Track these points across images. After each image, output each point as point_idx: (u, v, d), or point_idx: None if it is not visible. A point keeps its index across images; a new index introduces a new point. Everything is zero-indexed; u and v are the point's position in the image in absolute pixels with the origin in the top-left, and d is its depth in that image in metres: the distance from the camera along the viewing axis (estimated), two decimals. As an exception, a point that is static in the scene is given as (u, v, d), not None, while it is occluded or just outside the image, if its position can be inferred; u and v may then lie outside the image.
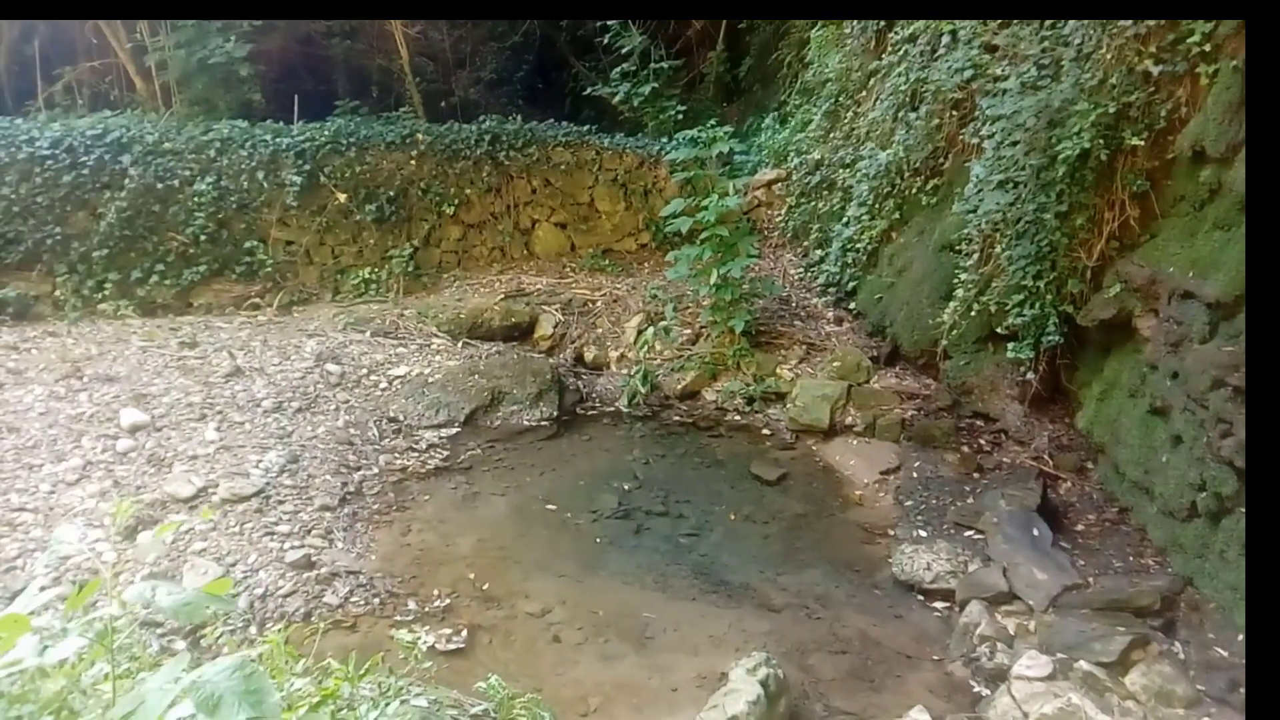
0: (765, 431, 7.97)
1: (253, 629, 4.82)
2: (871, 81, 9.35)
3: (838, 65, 10.05)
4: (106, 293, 9.43)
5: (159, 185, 9.57)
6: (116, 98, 11.27)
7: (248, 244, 10.02)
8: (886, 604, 5.50)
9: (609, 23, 11.47)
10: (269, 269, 10.08)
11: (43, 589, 2.13)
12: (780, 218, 10.76)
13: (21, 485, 5.87)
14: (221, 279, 10.00)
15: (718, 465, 7.54)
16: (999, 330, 6.72)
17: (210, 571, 5.14)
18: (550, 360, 8.99)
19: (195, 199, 9.68)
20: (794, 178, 10.52)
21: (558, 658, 4.93)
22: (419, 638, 4.49)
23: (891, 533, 6.24)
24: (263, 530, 5.68)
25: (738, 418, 8.21)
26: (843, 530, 6.44)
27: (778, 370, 8.45)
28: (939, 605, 5.45)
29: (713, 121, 9.06)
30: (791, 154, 10.67)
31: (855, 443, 7.54)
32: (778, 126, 11.54)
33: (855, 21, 9.77)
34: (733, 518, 6.58)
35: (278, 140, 10.00)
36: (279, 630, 4.54)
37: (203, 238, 9.76)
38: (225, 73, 10.32)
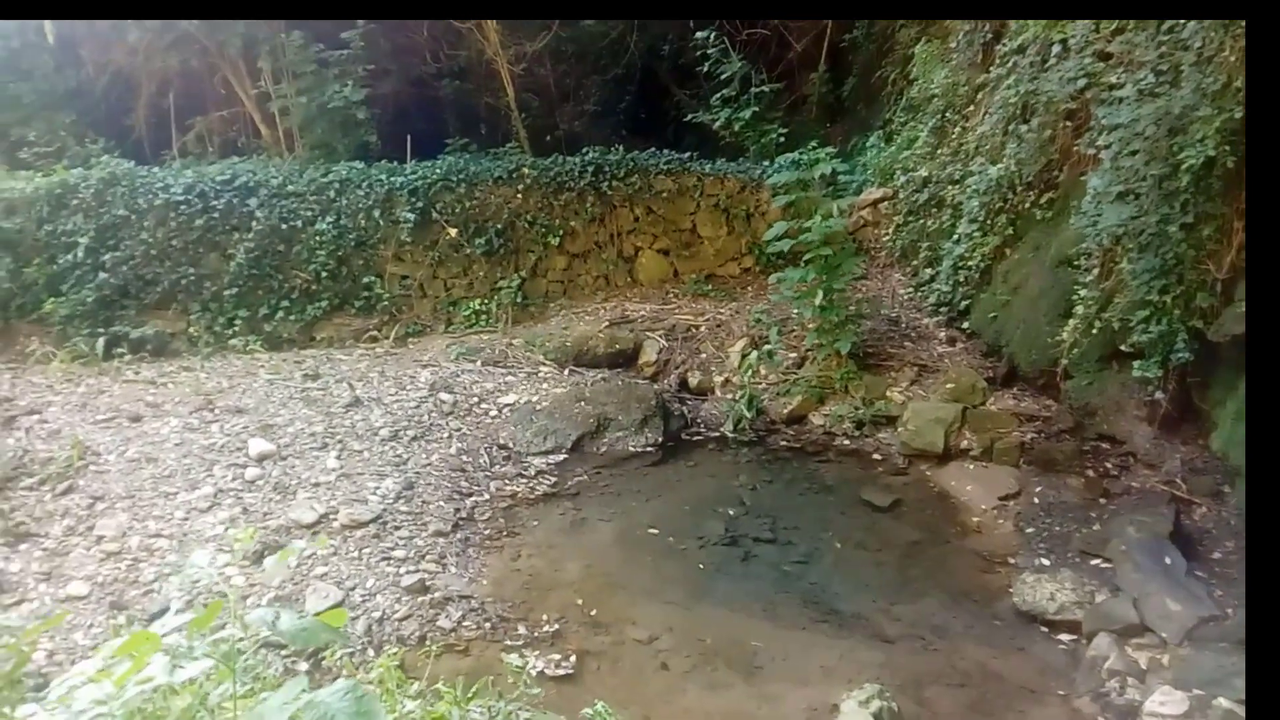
0: (876, 456, 7.80)
1: (370, 651, 4.97)
2: (979, 95, 9.12)
3: (943, 80, 9.85)
4: (236, 329, 9.97)
5: (283, 226, 10.11)
6: (244, 144, 11.97)
7: (365, 279, 10.46)
8: (1007, 635, 5.29)
9: (708, 50, 11.52)
10: (385, 303, 10.48)
11: (178, 612, 2.25)
12: (887, 237, 10.56)
13: (158, 512, 6.24)
14: (342, 313, 10.44)
15: (826, 491, 7.42)
16: (1123, 348, 6.38)
17: (331, 595, 5.34)
18: (655, 386, 9.02)
19: (317, 238, 10.18)
20: (901, 196, 10.32)
21: (665, 685, 4.92)
22: (528, 663, 4.57)
23: (1012, 561, 6.01)
24: (380, 555, 5.87)
25: (846, 442, 8.06)
26: (959, 558, 6.23)
27: (888, 393, 8.26)
28: (1064, 637, 5.21)
29: (815, 143, 9.00)
30: (898, 172, 10.48)
31: (972, 467, 7.30)
32: (883, 145, 11.37)
33: (961, 35, 9.57)
34: (839, 546, 6.45)
35: (392, 179, 10.42)
36: (394, 653, 4.70)
37: (324, 274, 10.25)
38: (343, 117, 10.84)
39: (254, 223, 10.02)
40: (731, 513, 7.00)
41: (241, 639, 2.09)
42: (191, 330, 9.93)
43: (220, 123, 12.12)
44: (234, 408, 7.93)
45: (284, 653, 4.78)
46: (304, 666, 4.75)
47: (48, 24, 11.04)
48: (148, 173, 10.21)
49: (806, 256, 8.42)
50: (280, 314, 10.15)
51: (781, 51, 13.89)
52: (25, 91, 11.75)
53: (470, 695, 3.00)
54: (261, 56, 11.21)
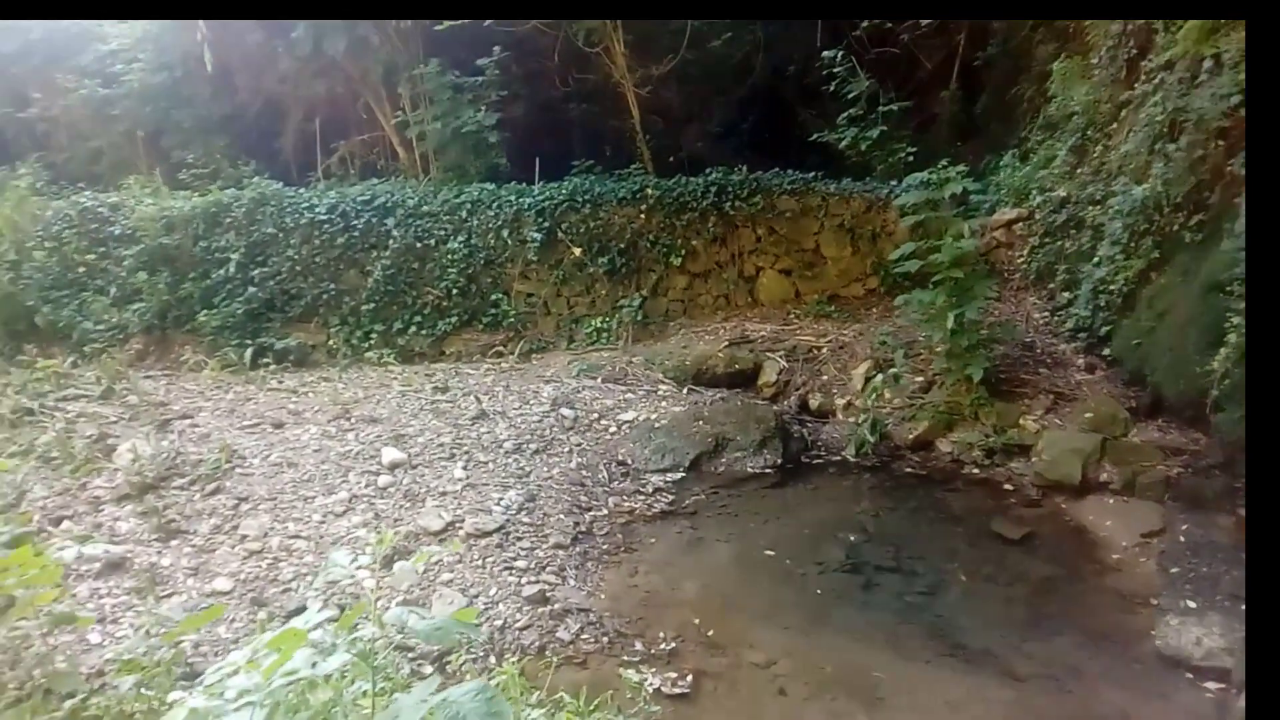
0: (1007, 486, 7.50)
1: (492, 659, 5.06)
2: (1123, 112, 8.71)
3: (1084, 97, 9.45)
4: (372, 342, 10.44)
5: (418, 244, 10.55)
6: (382, 167, 12.54)
7: (493, 297, 10.79)
8: (1149, 680, 4.96)
9: (835, 69, 11.42)
10: (511, 319, 10.77)
11: (319, 610, 2.35)
12: (1022, 259, 10.17)
13: (298, 515, 6.54)
14: (470, 329, 10.79)
15: (953, 521, 7.17)
16: (1282, 379, 5.96)
17: (456, 601, 5.48)
18: (774, 407, 8.93)
19: (448, 256, 10.56)
20: (1037, 216, 9.93)
21: (783, 712, 4.83)
22: (645, 679, 4.57)
23: (1154, 602, 5.64)
24: (503, 565, 5.99)
25: (976, 471, 7.78)
26: (1097, 597, 5.90)
27: (1021, 421, 7.94)
28: (1211, 685, 4.85)
29: (945, 161, 8.77)
30: (1034, 192, 10.09)
31: (1111, 501, 6.93)
32: (1018, 164, 10.98)
33: (1103, 51, 9.17)
34: (966, 578, 6.21)
35: (520, 200, 10.72)
36: (515, 661, 4.78)
37: (454, 291, 10.63)
38: (475, 140, 11.23)
39: (391, 241, 10.48)
40: (853, 539, 6.85)
41: (378, 638, 2.16)
42: (331, 342, 10.45)
43: (361, 146, 12.73)
44: (369, 417, 8.26)
45: (411, 655, 4.91)
46: (429, 669, 4.87)
47: (207, 53, 11.84)
48: (294, 193, 10.84)
49: (936, 278, 8.20)
50: (413, 329, 10.57)
51: (911, 69, 13.63)
52: (185, 117, 12.63)
53: (592, 708, 3.02)
54: (401, 84, 11.74)
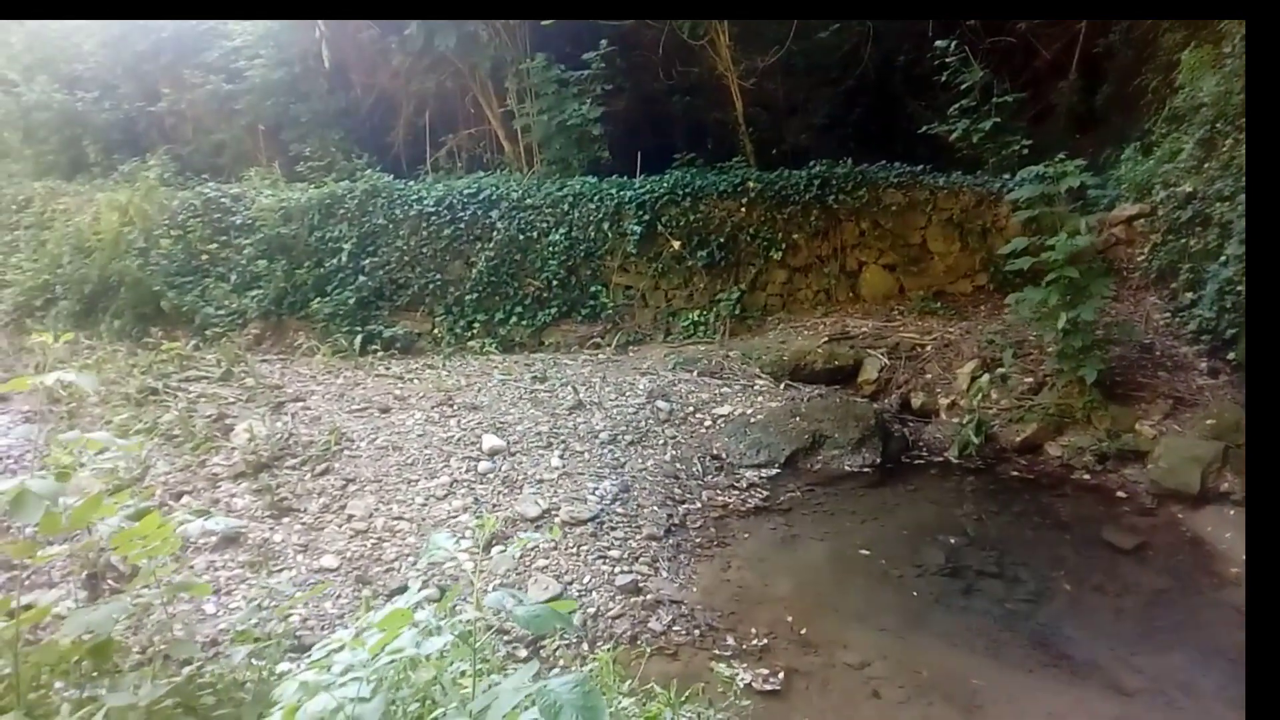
0: (1120, 494, 7.19)
1: (585, 645, 5.12)
2: (1258, 103, 8.21)
3: (1214, 89, 8.92)
4: (474, 331, 10.68)
5: (520, 236, 10.72)
6: (488, 160, 12.78)
7: (592, 289, 10.89)
8: (1271, 704, 4.69)
9: (947, 59, 11.09)
10: (609, 311, 10.85)
11: (420, 589, 2.43)
12: (1142, 257, 9.70)
13: (401, 497, 6.74)
14: (568, 320, 10.92)
15: (1061, 528, 6.91)
16: None
17: (550, 587, 5.56)
18: (874, 405, 8.76)
19: (550, 248, 10.71)
20: (1160, 213, 9.45)
21: (877, 715, 4.74)
22: (737, 674, 4.55)
23: (1279, 620, 5.32)
24: (597, 553, 6.05)
25: (1086, 476, 7.49)
26: (1214, 612, 5.61)
27: (1136, 426, 7.59)
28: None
29: (1062, 155, 8.42)
30: (1157, 187, 9.60)
31: (1232, 513, 6.57)
32: (1140, 157, 10.46)
33: (1236, 40, 8.65)
34: (1073, 587, 5.98)
35: (621, 193, 10.78)
36: (608, 650, 4.82)
37: (554, 283, 10.78)
38: (579, 134, 11.33)
39: (495, 233, 10.69)
40: (953, 542, 6.67)
41: (479, 619, 2.21)
42: (435, 331, 10.73)
43: (468, 139, 13.00)
44: (470, 404, 8.45)
45: (507, 637, 5.01)
46: (523, 652, 4.96)
47: (325, 49, 12.28)
48: (404, 186, 11.16)
49: (1049, 276, 7.89)
50: (514, 319, 10.76)
51: (1027, 59, 13.14)
52: (303, 111, 13.11)
53: (683, 700, 3.02)
54: (508, 78, 11.93)
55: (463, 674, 2.44)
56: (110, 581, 5.57)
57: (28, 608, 3.17)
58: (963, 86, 11.09)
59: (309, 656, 4.48)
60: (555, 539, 6.08)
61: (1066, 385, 8.03)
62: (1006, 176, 10.39)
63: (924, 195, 10.70)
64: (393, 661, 2.18)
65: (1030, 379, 8.45)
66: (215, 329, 10.58)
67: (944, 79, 11.29)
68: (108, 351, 9.96)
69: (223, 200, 11.54)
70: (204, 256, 11.23)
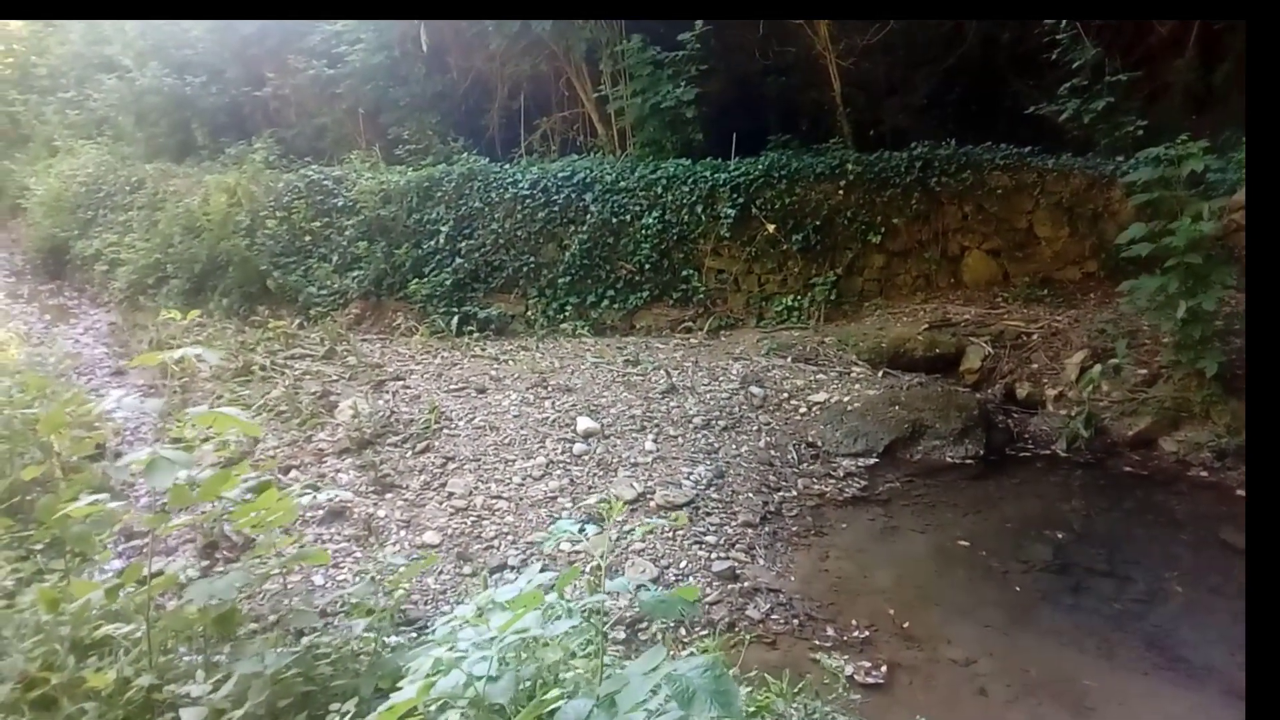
0: (1240, 493, 6.84)
1: (682, 630, 5.11)
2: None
3: (1354, 62, 8.36)
4: (566, 314, 10.75)
5: (613, 220, 10.72)
6: (581, 143, 12.80)
7: (684, 272, 10.83)
8: None
9: (1057, 37, 10.66)
10: (701, 295, 10.78)
11: (542, 570, 2.43)
12: (1266, 244, 9.18)
13: (499, 476, 6.83)
14: (660, 304, 10.89)
15: (1175, 526, 6.61)
16: None
17: (647, 571, 5.56)
18: (977, 395, 8.52)
19: (642, 231, 10.68)
20: (1287, 197, 8.92)
21: (983, 713, 4.62)
22: (841, 666, 4.48)
23: None
24: (692, 539, 6.02)
25: (1204, 474, 7.15)
26: (1345, 619, 5.28)
27: (1259, 422, 7.19)
28: None
29: (1183, 136, 8.00)
30: (1285, 169, 9.07)
31: (1365, 515, 6.17)
32: (1265, 138, 9.90)
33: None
34: (1188, 588, 5.72)
35: (715, 176, 10.67)
36: (706, 636, 4.80)
37: (647, 266, 10.75)
38: (673, 116, 11.24)
39: (588, 216, 10.72)
40: (1060, 538, 6.45)
41: (604, 602, 2.20)
42: (528, 313, 10.84)
43: (562, 123, 13.04)
44: (564, 386, 8.50)
45: (604, 621, 5.02)
46: (622, 634, 4.96)
47: (423, 33, 12.45)
48: (500, 169, 11.28)
49: (1168, 263, 7.52)
50: (605, 302, 10.79)
51: (1141, 35, 12.51)
52: (401, 95, 13.33)
53: (797, 691, 2.98)
54: (603, 60, 11.90)
55: (585, 655, 2.44)
56: (224, 551, 5.80)
57: (156, 575, 3.29)
58: (1073, 65, 10.65)
59: (418, 630, 4.57)
60: (651, 523, 6.06)
61: (1183, 378, 7.67)
62: (1120, 159, 9.93)
63: (1032, 178, 10.29)
64: (520, 641, 2.18)
65: (1144, 370, 8.09)
66: (318, 308, 10.89)
67: (1053, 57, 10.86)
68: (217, 329, 10.33)
69: (325, 182, 11.85)
70: (307, 237, 11.56)
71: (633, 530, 4.91)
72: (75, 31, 17.73)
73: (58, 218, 14.30)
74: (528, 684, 2.21)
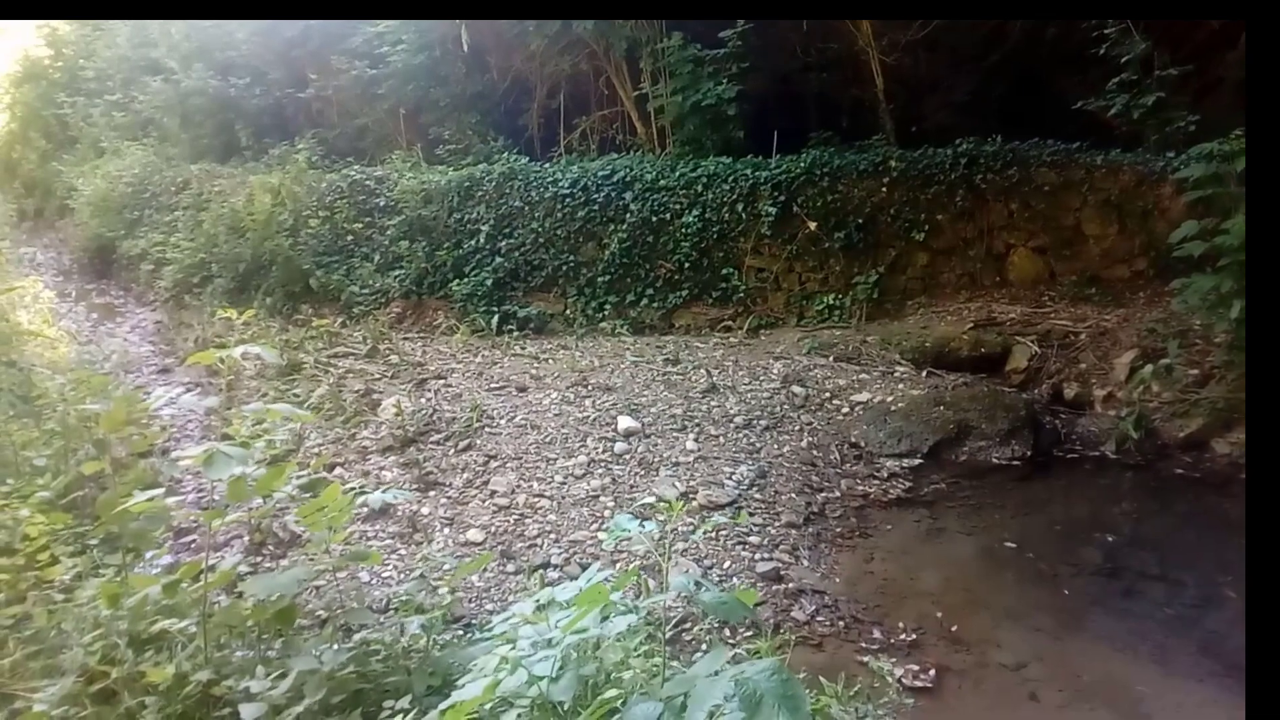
0: (1299, 496, 6.66)
1: (726, 630, 5.07)
2: None
3: None
4: (606, 313, 10.77)
5: (653, 218, 10.72)
6: (621, 142, 12.80)
7: (724, 271, 10.79)
8: None
9: (1105, 31, 10.48)
10: (741, 294, 10.74)
11: (601, 568, 2.42)
12: (1323, 242, 8.95)
13: (540, 475, 6.84)
14: (699, 302, 10.88)
15: (1230, 530, 6.43)
16: None
17: (691, 570, 5.53)
18: (1023, 395, 8.39)
19: (682, 230, 10.66)
20: (1345, 193, 8.69)
21: (1035, 718, 4.53)
22: (891, 669, 4.42)
23: None
24: (735, 539, 5.98)
25: (1259, 476, 6.97)
26: None
27: (1317, 423, 7.01)
28: None
29: (1237, 132, 7.81)
30: (1343, 165, 8.83)
31: None
32: (1321, 133, 9.65)
33: None
34: (1234, 594, 5.58)
35: (756, 174, 10.62)
36: (752, 637, 4.76)
37: (686, 265, 10.74)
38: (714, 114, 11.21)
39: (628, 215, 10.72)
40: (1111, 541, 6.33)
41: (662, 602, 2.18)
42: (568, 312, 10.88)
43: (601, 121, 13.06)
44: (604, 385, 8.50)
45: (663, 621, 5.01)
46: (668, 634, 4.94)
47: (464, 33, 12.52)
48: (540, 168, 11.33)
49: (1221, 261, 7.35)
50: (645, 300, 10.79)
51: (1191, 28, 12.26)
52: (441, 95, 13.44)
53: (852, 694, 2.94)
54: (643, 58, 11.90)
55: (639, 655, 2.43)
56: (270, 547, 5.86)
57: (209, 570, 3.33)
58: (1121, 60, 10.46)
59: (465, 628, 4.59)
60: (693, 522, 6.04)
61: (1237, 378, 7.49)
62: (1170, 155, 9.74)
63: (1079, 175, 10.12)
64: (581, 640, 2.18)
65: (1195, 371, 7.92)
66: (360, 307, 10.99)
67: (1100, 52, 10.67)
68: (261, 328, 10.46)
69: (367, 182, 11.97)
70: (349, 237, 11.68)
71: (695, 529, 4.88)
72: (122, 35, 18.08)
73: (105, 218, 14.61)
74: (588, 683, 2.20)
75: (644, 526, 2.34)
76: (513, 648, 2.18)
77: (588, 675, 2.21)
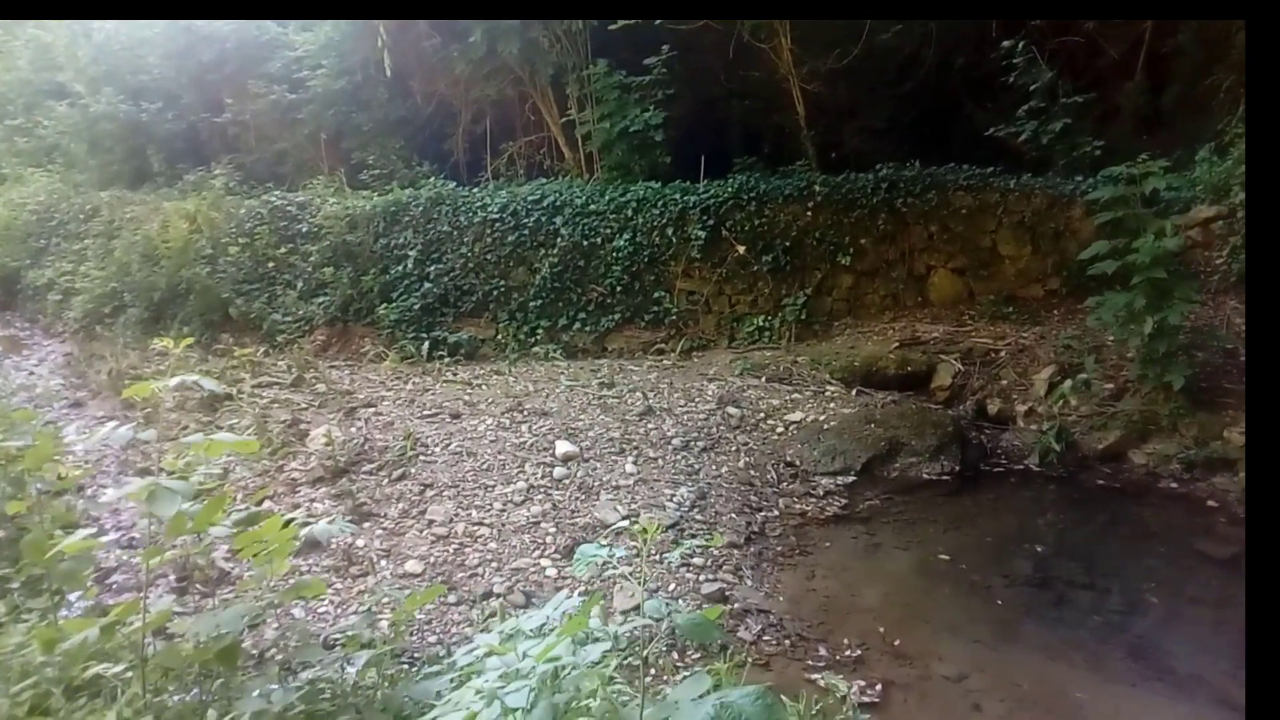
0: (1210, 504, 6.99)
1: (674, 654, 5.05)
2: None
3: (1299, 84, 8.65)
4: (538, 337, 10.70)
5: (584, 243, 10.72)
6: (548, 167, 12.78)
7: (656, 294, 10.85)
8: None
9: (1014, 60, 10.93)
10: (673, 317, 10.80)
11: (568, 597, 2.38)
12: (1221, 260, 9.44)
13: (479, 503, 6.72)
14: (632, 326, 10.89)
15: (1149, 538, 6.73)
16: None
17: (635, 594, 5.49)
18: (949, 412, 8.62)
19: (613, 254, 10.69)
20: (1238, 215, 9.20)
21: (980, 729, 4.62)
22: (840, 687, 4.46)
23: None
24: (679, 561, 5.96)
25: (1174, 485, 7.29)
26: (1325, 624, 5.40)
27: (1225, 434, 7.37)
28: None
29: (1144, 156, 8.20)
30: (1235, 188, 9.34)
31: (1334, 521, 6.32)
32: (1215, 159, 10.20)
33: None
34: (1168, 599, 5.81)
35: (685, 198, 10.72)
36: (702, 658, 4.75)
37: (618, 289, 10.76)
38: (641, 139, 11.28)
39: (558, 239, 10.70)
40: (1040, 551, 6.53)
41: (640, 625, 2.16)
42: (499, 337, 10.78)
43: (528, 147, 13.02)
44: (539, 410, 8.43)
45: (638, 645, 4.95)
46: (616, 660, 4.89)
47: (387, 58, 12.37)
48: (469, 193, 11.25)
49: (1133, 279, 7.69)
50: (577, 325, 10.77)
51: (1091, 59, 12.87)
52: (364, 120, 13.24)
53: (814, 713, 2.95)
54: (569, 84, 11.93)
55: (614, 678, 2.40)
56: (198, 585, 5.63)
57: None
58: (1031, 88, 10.92)
59: (409, 662, 4.46)
60: (636, 546, 6.00)
61: (1151, 391, 7.83)
62: (1079, 178, 10.18)
63: (994, 198, 10.51)
64: (556, 669, 2.14)
65: (1111, 385, 8.25)
66: (283, 335, 10.71)
67: (1012, 80, 11.12)
68: (178, 358, 10.07)
69: (289, 208, 11.70)
70: (271, 264, 11.38)
71: (672, 553, 4.86)
72: (23, 58, 17.39)
73: (8, 246, 13.97)
74: (561, 713, 2.16)
75: (614, 553, 2.32)
76: (483, 679, 2.12)
77: (559, 703, 2.16)
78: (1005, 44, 10.87)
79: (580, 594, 5.40)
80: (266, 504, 6.72)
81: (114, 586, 5.54)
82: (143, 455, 7.41)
